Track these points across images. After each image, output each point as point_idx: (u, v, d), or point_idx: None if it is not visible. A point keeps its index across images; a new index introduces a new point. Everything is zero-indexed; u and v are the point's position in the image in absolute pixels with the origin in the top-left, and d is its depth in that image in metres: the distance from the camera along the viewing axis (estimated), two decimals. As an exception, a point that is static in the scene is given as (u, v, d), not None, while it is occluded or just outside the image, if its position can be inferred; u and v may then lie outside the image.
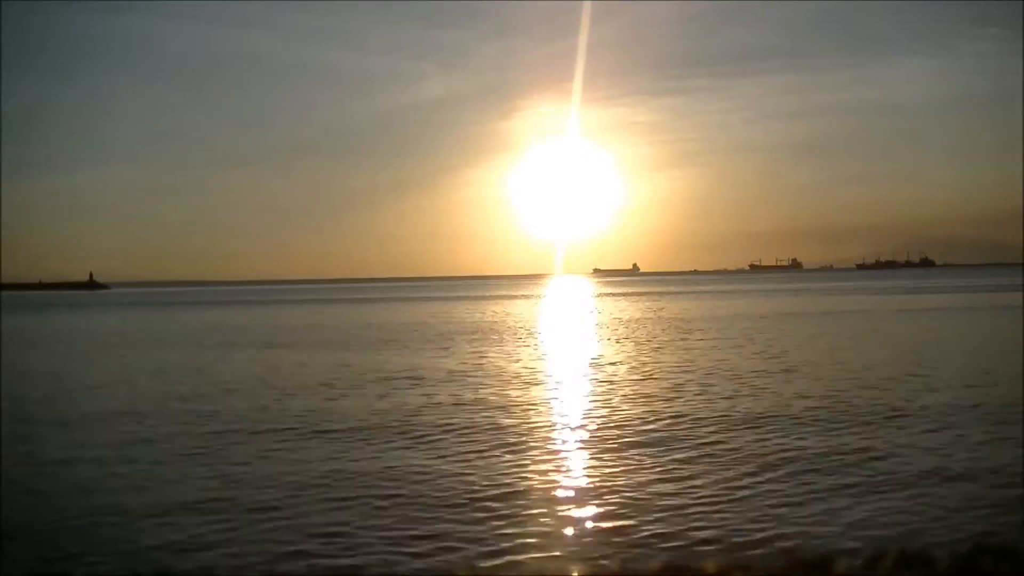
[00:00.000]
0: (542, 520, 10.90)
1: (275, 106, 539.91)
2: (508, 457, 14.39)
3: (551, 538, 10.26)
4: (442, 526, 10.72)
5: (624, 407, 19.32)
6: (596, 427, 17.15)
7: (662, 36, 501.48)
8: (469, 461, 14.17)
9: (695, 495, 11.89)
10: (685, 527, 10.47)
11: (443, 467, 13.77)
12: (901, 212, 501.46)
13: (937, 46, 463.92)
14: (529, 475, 13.21)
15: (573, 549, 9.90)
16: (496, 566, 9.40)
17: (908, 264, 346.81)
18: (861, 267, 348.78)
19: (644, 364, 27.74)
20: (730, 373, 24.84)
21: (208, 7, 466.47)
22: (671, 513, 11.05)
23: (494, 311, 70.62)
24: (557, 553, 9.72)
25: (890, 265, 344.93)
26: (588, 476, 13.21)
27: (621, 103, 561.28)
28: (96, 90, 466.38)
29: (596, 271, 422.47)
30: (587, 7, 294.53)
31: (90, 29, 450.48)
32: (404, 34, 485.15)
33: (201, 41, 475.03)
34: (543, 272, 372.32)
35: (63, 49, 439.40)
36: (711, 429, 16.62)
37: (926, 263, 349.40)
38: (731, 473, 13.07)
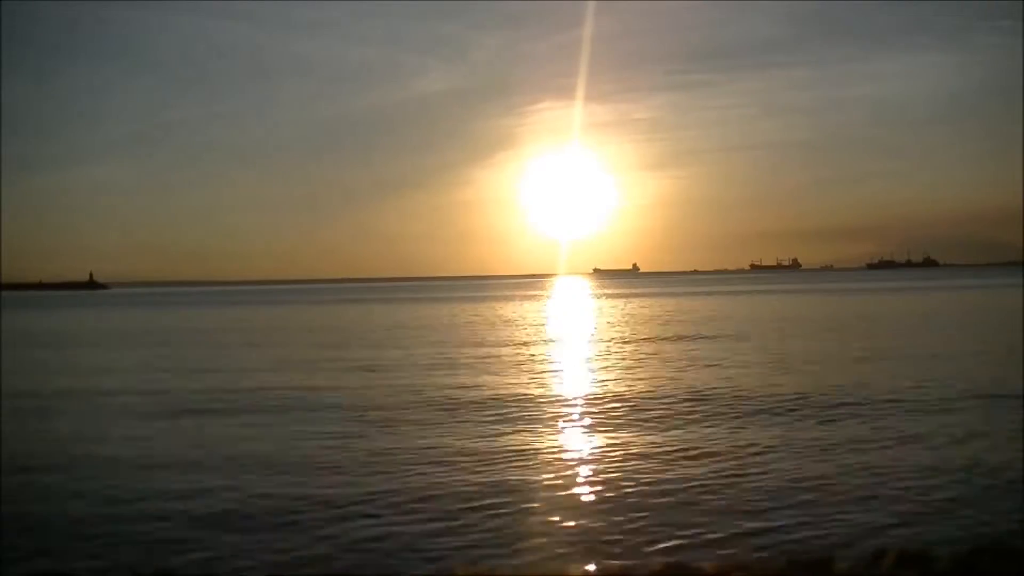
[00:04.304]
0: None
1: (274, 101, 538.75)
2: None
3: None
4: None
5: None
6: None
7: (662, 30, 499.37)
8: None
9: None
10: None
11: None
12: (902, 211, 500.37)
13: (947, 40, 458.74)
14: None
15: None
16: (496, 566, 9.40)
17: (909, 264, 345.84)
18: (872, 266, 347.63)
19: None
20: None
21: (205, 2, 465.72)
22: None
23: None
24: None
25: (889, 265, 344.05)
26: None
27: (622, 99, 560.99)
28: (92, 86, 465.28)
29: (596, 271, 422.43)
30: (591, 5, 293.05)
31: (86, 24, 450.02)
32: (403, 27, 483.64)
33: (199, 35, 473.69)
34: (545, 272, 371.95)
35: (59, 45, 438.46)
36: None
37: (929, 263, 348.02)
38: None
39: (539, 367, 28.56)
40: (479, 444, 15.63)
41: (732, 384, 22.73)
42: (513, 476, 13.22)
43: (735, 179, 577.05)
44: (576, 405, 20.25)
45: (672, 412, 18.72)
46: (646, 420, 17.88)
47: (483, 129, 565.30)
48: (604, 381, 24.36)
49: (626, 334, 42.12)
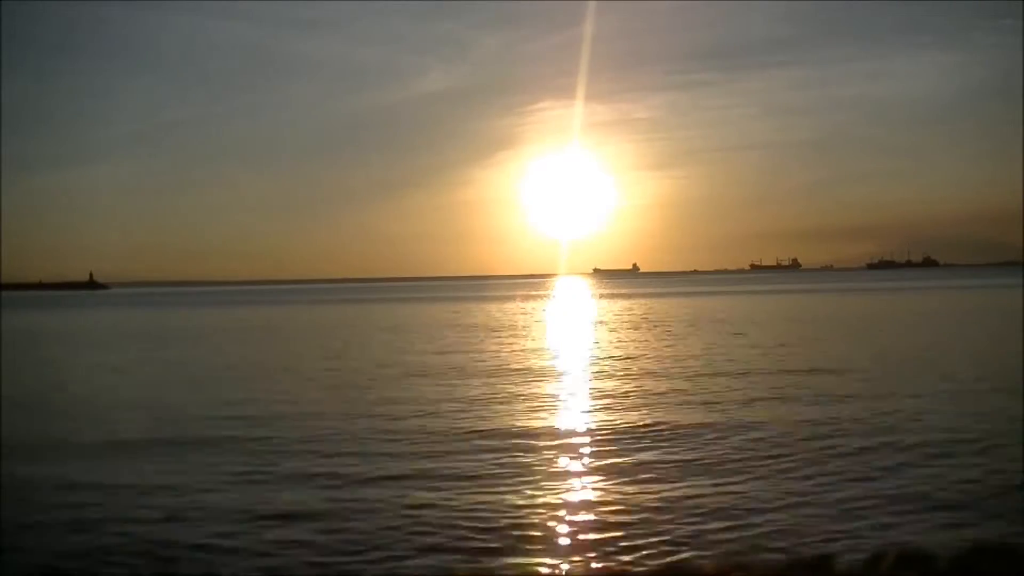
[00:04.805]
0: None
1: (273, 101, 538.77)
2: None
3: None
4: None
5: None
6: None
7: (662, 30, 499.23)
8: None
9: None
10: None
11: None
12: (902, 211, 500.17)
13: (948, 40, 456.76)
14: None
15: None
16: (496, 566, 9.40)
17: (909, 264, 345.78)
18: (872, 266, 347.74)
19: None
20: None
21: (205, 2, 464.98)
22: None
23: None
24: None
25: (889, 265, 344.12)
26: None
27: (622, 99, 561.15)
28: (92, 86, 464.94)
29: (596, 271, 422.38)
30: (591, 5, 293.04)
31: (86, 24, 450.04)
32: (403, 26, 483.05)
33: (199, 35, 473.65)
34: (545, 272, 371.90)
35: (59, 45, 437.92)
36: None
37: (929, 263, 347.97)
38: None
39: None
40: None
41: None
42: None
43: (735, 179, 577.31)
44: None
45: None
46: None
47: (483, 129, 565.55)
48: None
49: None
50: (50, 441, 16.99)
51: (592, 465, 13.96)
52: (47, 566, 9.74)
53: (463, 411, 19.36)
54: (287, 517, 11.28)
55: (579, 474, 13.44)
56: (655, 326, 47.72)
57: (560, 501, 11.80)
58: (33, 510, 11.87)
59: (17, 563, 9.92)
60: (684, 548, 9.80)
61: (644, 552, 9.72)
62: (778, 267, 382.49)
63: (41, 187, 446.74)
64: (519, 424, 17.65)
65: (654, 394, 21.31)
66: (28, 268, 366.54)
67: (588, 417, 18.41)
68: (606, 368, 27.55)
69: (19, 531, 10.97)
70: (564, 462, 14.18)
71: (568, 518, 11.07)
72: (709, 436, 15.92)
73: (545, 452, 14.92)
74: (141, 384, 26.97)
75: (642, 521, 10.79)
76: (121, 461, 15.00)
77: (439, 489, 12.46)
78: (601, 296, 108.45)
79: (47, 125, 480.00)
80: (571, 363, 29.57)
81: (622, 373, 26.02)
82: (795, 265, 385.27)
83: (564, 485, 12.67)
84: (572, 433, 16.58)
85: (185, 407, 21.04)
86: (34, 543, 10.49)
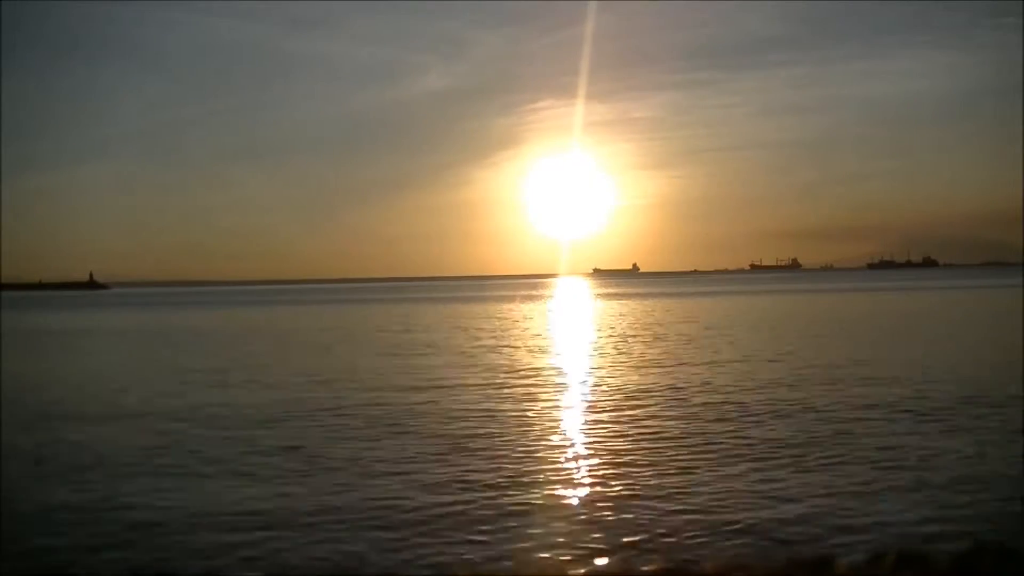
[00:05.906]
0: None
1: (274, 101, 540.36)
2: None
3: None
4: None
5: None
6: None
7: (663, 29, 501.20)
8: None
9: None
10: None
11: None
12: (902, 211, 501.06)
13: (949, 39, 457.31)
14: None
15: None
16: (496, 566, 9.40)
17: (909, 264, 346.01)
18: (872, 266, 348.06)
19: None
20: None
21: (204, 1, 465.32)
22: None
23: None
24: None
25: (889, 265, 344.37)
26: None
27: (623, 98, 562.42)
28: (93, 86, 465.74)
29: (596, 271, 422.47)
30: (592, 4, 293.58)
31: (86, 24, 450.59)
32: (404, 25, 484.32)
33: (200, 34, 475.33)
34: (545, 272, 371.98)
35: (59, 45, 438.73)
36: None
37: (929, 263, 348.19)
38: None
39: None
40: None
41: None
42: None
43: (735, 179, 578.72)
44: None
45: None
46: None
47: (484, 129, 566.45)
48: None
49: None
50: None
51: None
52: (47, 566, 9.74)
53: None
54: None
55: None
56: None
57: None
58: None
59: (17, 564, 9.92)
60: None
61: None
62: (778, 267, 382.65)
63: (41, 187, 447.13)
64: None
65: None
66: (28, 268, 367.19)
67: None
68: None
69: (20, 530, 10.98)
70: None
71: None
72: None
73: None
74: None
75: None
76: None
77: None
78: (600, 296, 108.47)
79: (47, 125, 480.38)
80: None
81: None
82: (795, 265, 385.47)
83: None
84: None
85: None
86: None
